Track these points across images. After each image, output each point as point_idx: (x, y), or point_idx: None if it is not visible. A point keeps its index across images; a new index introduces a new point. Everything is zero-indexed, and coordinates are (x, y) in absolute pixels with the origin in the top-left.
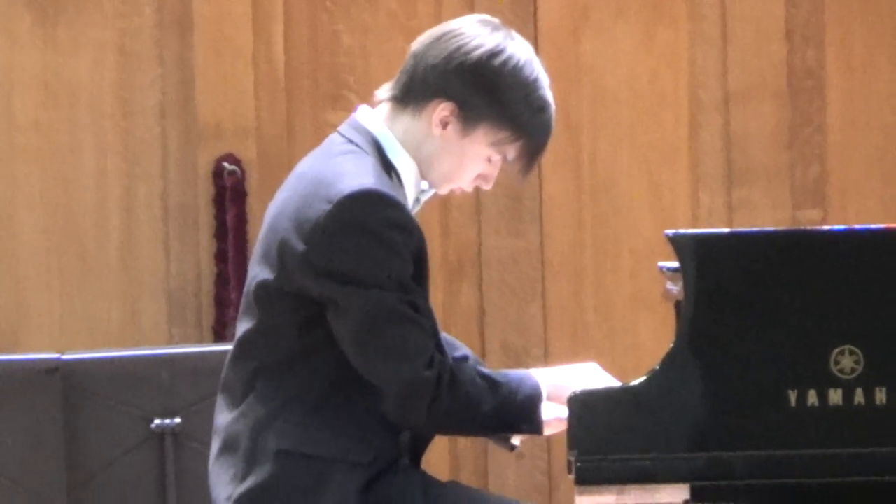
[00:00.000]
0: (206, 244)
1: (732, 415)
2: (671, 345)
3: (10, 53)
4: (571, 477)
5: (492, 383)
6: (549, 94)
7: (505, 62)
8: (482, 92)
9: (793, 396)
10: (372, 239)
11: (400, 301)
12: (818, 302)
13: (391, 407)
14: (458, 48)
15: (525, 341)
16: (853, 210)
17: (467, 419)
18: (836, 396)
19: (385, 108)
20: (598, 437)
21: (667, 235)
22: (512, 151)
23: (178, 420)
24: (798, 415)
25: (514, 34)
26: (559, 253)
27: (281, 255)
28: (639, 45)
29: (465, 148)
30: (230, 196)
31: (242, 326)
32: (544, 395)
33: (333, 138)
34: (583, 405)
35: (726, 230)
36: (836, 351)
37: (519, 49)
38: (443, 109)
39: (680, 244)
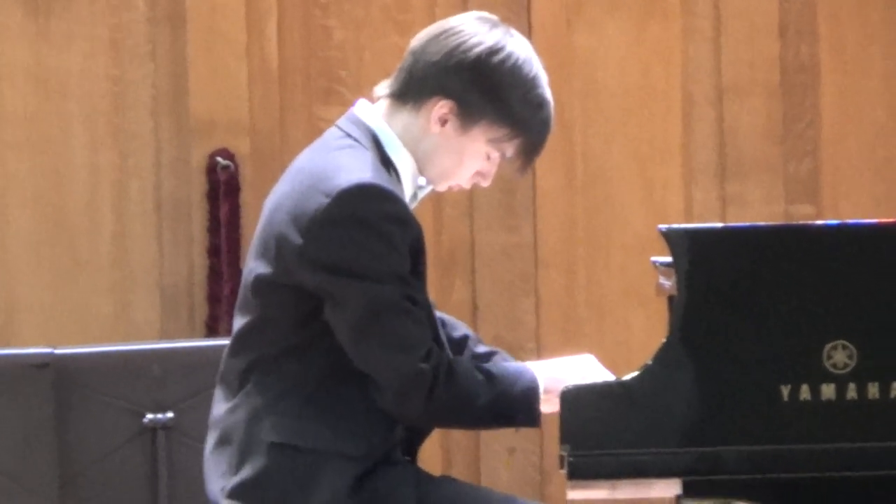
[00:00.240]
0: (198, 239)
1: (725, 409)
2: (664, 339)
3: (1, 47)
4: (563, 471)
5: (489, 376)
6: (547, 91)
7: (504, 60)
8: (481, 90)
9: (786, 391)
10: (370, 232)
11: (397, 294)
12: (811, 297)
13: (388, 400)
14: (457, 46)
15: (518, 336)
16: (846, 205)
17: (464, 412)
18: (828, 391)
19: (383, 104)
20: (591, 432)
21: (660, 230)
22: (510, 149)
23: (170, 415)
24: (791, 409)
25: (513, 31)
26: (552, 248)
27: (278, 249)
28: (631, 39)
29: (464, 145)
30: (223, 191)
31: (239, 320)
32: (541, 389)
33: (331, 132)
34: (575, 399)
35: (719, 225)
36: (829, 346)
37: (518, 47)
38: (441, 107)
39: (673, 239)
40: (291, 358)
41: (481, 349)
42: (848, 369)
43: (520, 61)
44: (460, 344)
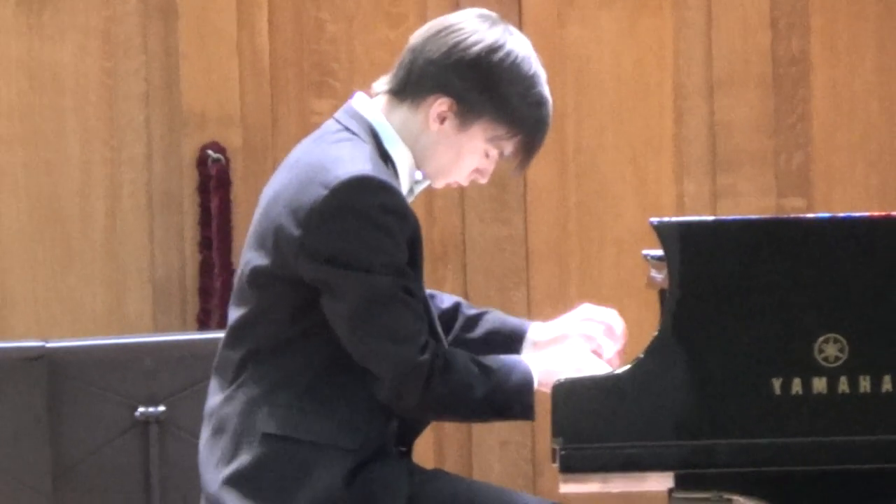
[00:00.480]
0: (190, 232)
1: (717, 403)
2: (656, 333)
3: None
4: (556, 465)
5: (484, 368)
6: (546, 89)
7: (504, 58)
8: (480, 88)
9: (777, 384)
10: (368, 224)
11: (395, 285)
12: (803, 290)
13: (384, 390)
14: (457, 44)
15: None
16: (838, 198)
17: (459, 404)
18: (820, 385)
19: (382, 99)
20: (583, 425)
21: (651, 223)
22: (509, 147)
23: (162, 408)
24: (783, 403)
25: (513, 29)
26: (544, 240)
27: (276, 241)
28: (623, 32)
29: (462, 143)
30: (214, 184)
31: (235, 311)
32: (535, 381)
33: (329, 125)
34: (567, 393)
35: (711, 218)
36: (821, 339)
37: (518, 45)
38: (440, 105)
39: (664, 232)
40: (287, 349)
41: (472, 311)
42: (839, 363)
43: (519, 59)
44: (453, 311)
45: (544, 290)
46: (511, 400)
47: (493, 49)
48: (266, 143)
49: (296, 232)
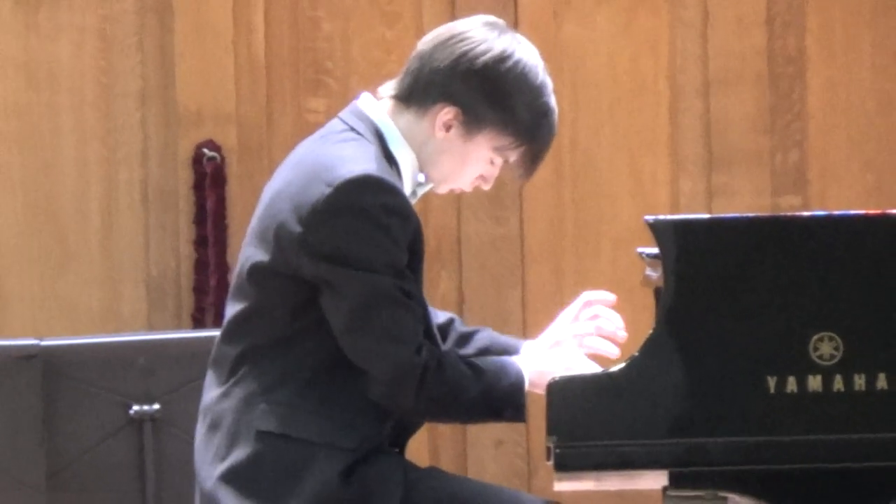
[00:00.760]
0: (185, 230)
1: (712, 401)
2: (650, 331)
3: None
4: (550, 463)
5: (476, 370)
6: (553, 99)
7: (511, 67)
8: (487, 98)
9: (772, 383)
10: (369, 223)
11: (393, 286)
12: (798, 288)
13: (378, 390)
14: (465, 53)
15: (505, 328)
16: (833, 196)
17: (452, 406)
18: (815, 383)
19: (388, 103)
20: (577, 424)
21: (646, 221)
22: (514, 156)
23: (157, 406)
24: (777, 401)
25: (521, 37)
26: (539, 239)
27: (277, 237)
28: (619, 30)
29: (467, 151)
30: (210, 182)
31: (234, 307)
32: (527, 382)
33: (334, 124)
34: (562, 391)
35: (706, 216)
36: (816, 337)
37: (526, 53)
38: (446, 113)
39: (660, 230)
40: (285, 347)
41: (466, 329)
42: (834, 361)
43: (527, 69)
44: (446, 327)
45: (540, 288)
46: (503, 401)
47: (501, 58)
48: (261, 142)
49: (297, 229)
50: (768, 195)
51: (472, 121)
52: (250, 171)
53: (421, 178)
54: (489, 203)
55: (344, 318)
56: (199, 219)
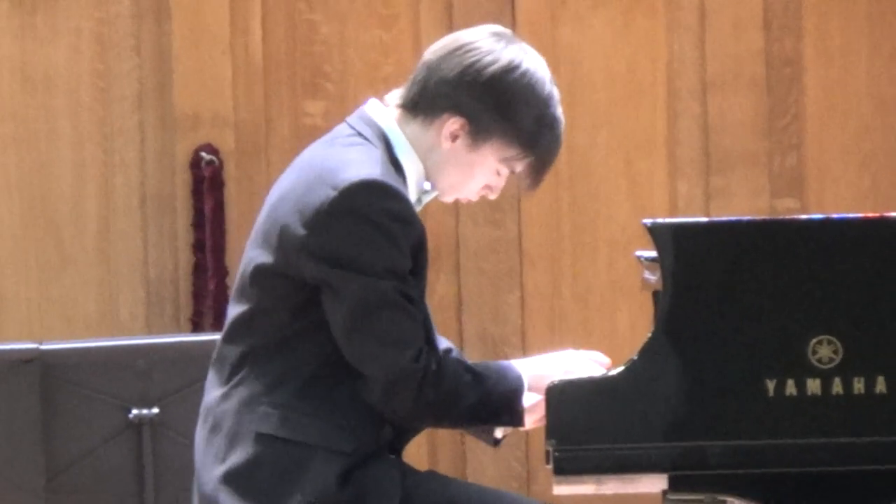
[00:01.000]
0: (183, 234)
1: (710, 404)
2: (649, 334)
3: None
4: (549, 467)
5: (475, 375)
6: (559, 110)
7: (518, 79)
8: (494, 109)
9: (771, 386)
10: (373, 228)
11: (394, 290)
12: (796, 291)
13: (376, 394)
14: (472, 64)
15: (503, 330)
16: (831, 199)
17: (451, 411)
18: (814, 386)
19: (395, 111)
20: (577, 427)
21: (644, 224)
22: (520, 166)
23: (155, 410)
24: (776, 404)
25: (527, 47)
26: (537, 242)
27: (280, 239)
28: (616, 33)
29: (474, 161)
30: (207, 186)
31: (236, 308)
32: (525, 387)
33: (341, 128)
34: (561, 395)
35: (704, 219)
36: (815, 340)
37: (533, 64)
38: (453, 123)
39: (657, 233)
40: (286, 349)
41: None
42: (833, 364)
43: (534, 80)
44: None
45: (538, 291)
46: (501, 407)
47: (508, 69)
48: (259, 145)
49: (301, 231)
50: (766, 198)
51: (478, 131)
52: (248, 174)
53: (427, 186)
54: (487, 206)
55: (344, 321)
56: (197, 222)
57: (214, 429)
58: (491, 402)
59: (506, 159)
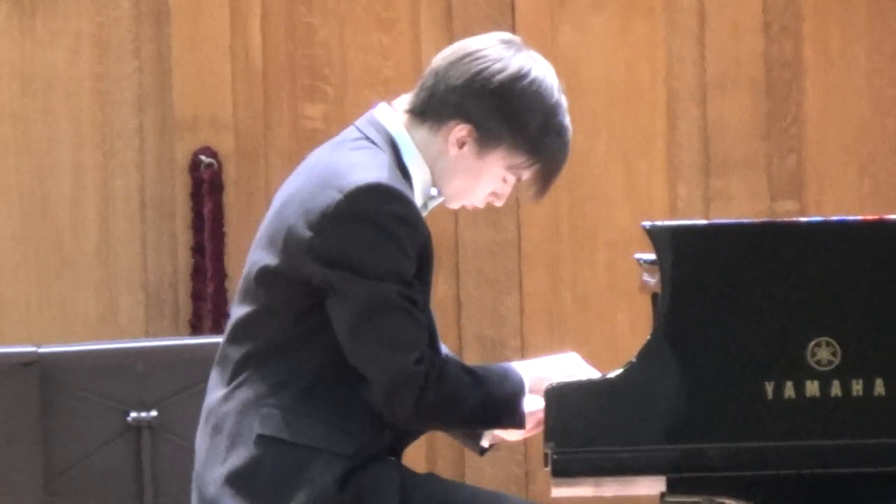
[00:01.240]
0: (182, 237)
1: (709, 407)
2: (648, 337)
3: None
4: (548, 469)
5: (476, 378)
6: (567, 118)
7: (527, 86)
8: (501, 117)
9: (770, 388)
10: (378, 231)
11: (398, 294)
12: (795, 294)
13: (378, 397)
14: (480, 71)
15: (502, 333)
16: (830, 201)
17: (452, 414)
18: (813, 388)
19: (403, 117)
20: (575, 430)
21: (644, 227)
22: (527, 174)
23: (154, 413)
24: (775, 407)
25: (536, 55)
26: (536, 244)
27: (286, 241)
28: (616, 35)
29: (481, 169)
30: (207, 189)
31: (240, 309)
32: (526, 389)
33: (349, 132)
34: (559, 397)
35: (703, 222)
36: (813, 343)
37: (541, 72)
38: (460, 130)
39: (657, 236)
40: (289, 351)
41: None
42: (832, 366)
43: (542, 88)
44: None
45: (537, 293)
46: (502, 409)
47: (516, 77)
48: (258, 148)
49: (306, 233)
50: (765, 200)
51: (485, 139)
52: (247, 177)
53: (433, 191)
54: (486, 208)
55: (347, 324)
56: (196, 225)
57: (216, 430)
58: (492, 405)
59: (513, 167)
